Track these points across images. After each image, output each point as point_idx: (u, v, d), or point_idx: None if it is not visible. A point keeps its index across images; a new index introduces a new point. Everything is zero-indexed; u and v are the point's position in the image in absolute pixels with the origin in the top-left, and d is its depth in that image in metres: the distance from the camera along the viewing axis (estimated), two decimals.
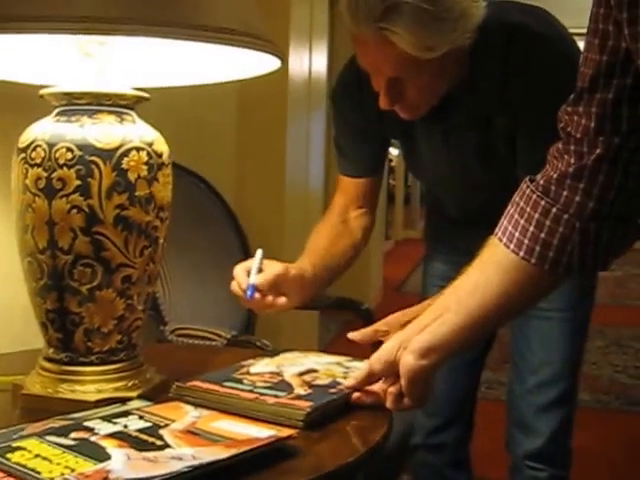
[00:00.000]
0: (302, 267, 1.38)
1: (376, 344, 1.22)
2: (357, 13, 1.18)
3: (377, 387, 1.11)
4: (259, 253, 1.35)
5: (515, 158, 1.37)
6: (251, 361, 1.26)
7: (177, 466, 0.83)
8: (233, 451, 0.89)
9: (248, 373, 1.20)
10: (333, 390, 1.13)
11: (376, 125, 1.47)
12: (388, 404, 1.09)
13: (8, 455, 0.84)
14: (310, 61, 3.42)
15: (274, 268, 1.33)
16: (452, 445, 1.80)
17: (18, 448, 0.86)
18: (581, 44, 1.35)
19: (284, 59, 1.16)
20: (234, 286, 1.34)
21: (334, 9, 3.87)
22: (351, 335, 1.27)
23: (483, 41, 1.27)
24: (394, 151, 9.46)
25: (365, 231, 1.54)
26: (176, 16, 0.99)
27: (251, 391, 1.11)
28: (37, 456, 0.84)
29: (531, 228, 1.01)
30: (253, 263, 1.34)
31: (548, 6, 1.41)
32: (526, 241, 1.01)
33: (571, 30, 1.38)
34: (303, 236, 3.34)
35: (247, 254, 2.33)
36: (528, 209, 1.02)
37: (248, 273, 1.33)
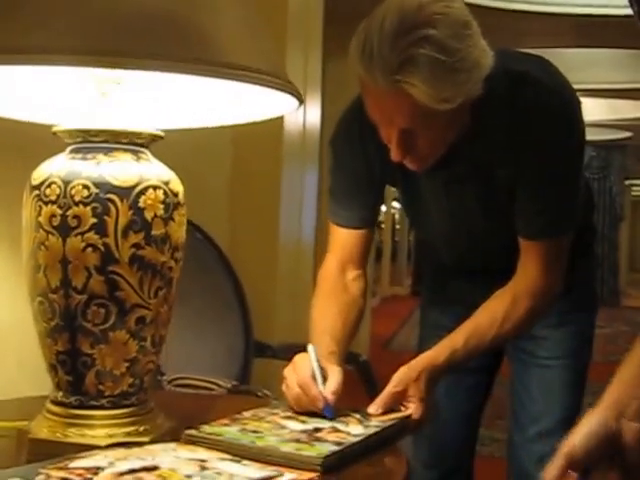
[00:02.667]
0: (339, 361, 1.32)
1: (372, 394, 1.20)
2: (372, 66, 1.17)
3: None
4: (313, 354, 1.26)
5: (514, 210, 1.37)
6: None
7: None
8: None
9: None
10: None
11: (377, 173, 1.46)
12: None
13: None
14: (305, 114, 3.45)
15: (337, 375, 1.25)
16: None
17: None
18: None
19: (301, 101, 1.16)
20: (299, 396, 1.23)
21: (326, 64, 3.92)
22: (372, 410, 1.23)
23: (486, 89, 1.27)
24: (381, 207, 9.56)
25: (364, 295, 1.49)
26: (196, 53, 0.97)
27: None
28: None
29: None
30: (315, 371, 1.24)
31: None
32: None
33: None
34: (295, 285, 3.31)
35: (242, 303, 2.31)
36: None
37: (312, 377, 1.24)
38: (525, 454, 1.62)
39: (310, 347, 1.28)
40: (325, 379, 1.23)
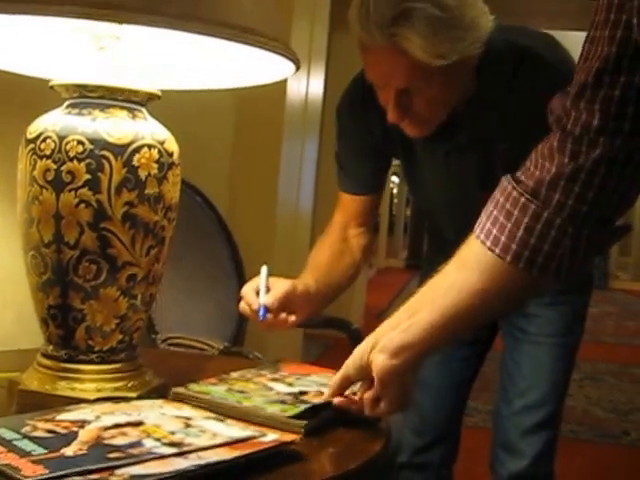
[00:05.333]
0: (307, 283, 1.37)
1: None
2: (368, 21, 1.19)
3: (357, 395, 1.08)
4: (264, 271, 1.33)
5: None
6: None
7: (182, 465, 0.82)
8: (238, 453, 0.87)
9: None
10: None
11: (379, 142, 1.47)
12: (366, 410, 1.05)
13: None
14: (307, 85, 3.44)
15: (282, 286, 1.31)
16: (437, 464, 1.80)
17: None
18: None
19: (299, 66, 1.15)
20: (243, 307, 1.33)
21: (333, 36, 3.90)
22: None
23: (491, 61, 1.28)
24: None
25: (365, 250, 1.53)
26: (193, 10, 0.96)
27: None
28: None
29: (519, 233, 0.96)
30: (260, 282, 1.32)
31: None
32: (514, 246, 0.96)
33: None
34: (292, 252, 3.33)
35: (238, 266, 2.32)
36: (516, 212, 0.97)
37: (257, 293, 1.31)
38: (510, 426, 1.65)
39: (264, 268, 1.34)
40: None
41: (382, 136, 1.44)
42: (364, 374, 1.04)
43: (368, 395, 1.04)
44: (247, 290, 1.32)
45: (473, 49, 1.22)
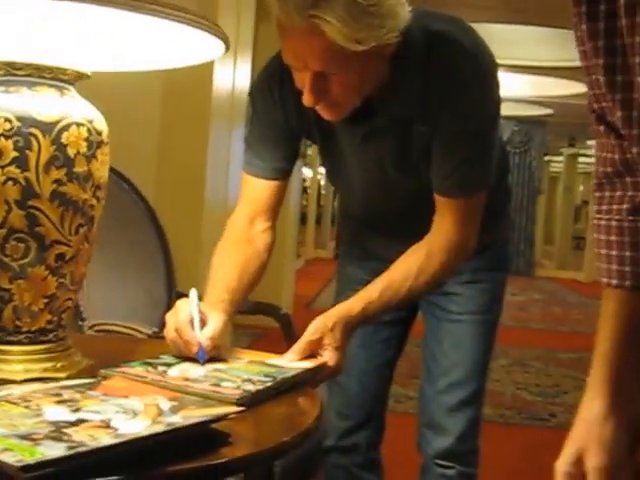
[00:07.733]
0: (228, 310, 1.33)
1: None
2: (287, 1, 1.18)
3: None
4: (195, 297, 1.25)
5: (430, 167, 1.41)
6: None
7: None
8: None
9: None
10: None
11: (294, 123, 1.46)
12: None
13: None
14: (234, 75, 3.44)
15: (216, 322, 1.25)
16: (364, 446, 1.81)
17: None
18: (503, 74, 1.38)
19: (228, 46, 1.16)
20: (174, 339, 1.24)
21: (259, 25, 3.91)
22: (288, 358, 1.26)
23: (406, 47, 1.30)
24: (308, 172, 9.62)
25: (270, 249, 1.50)
26: None
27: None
28: None
29: None
30: (193, 314, 1.23)
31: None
32: None
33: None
34: (219, 240, 3.32)
35: (165, 253, 2.31)
36: (627, 239, 0.86)
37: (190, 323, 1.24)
38: (435, 405, 1.68)
39: (192, 291, 1.27)
40: (205, 325, 1.24)
41: (298, 117, 1.44)
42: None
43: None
44: (183, 324, 1.23)
45: (391, 37, 1.24)
